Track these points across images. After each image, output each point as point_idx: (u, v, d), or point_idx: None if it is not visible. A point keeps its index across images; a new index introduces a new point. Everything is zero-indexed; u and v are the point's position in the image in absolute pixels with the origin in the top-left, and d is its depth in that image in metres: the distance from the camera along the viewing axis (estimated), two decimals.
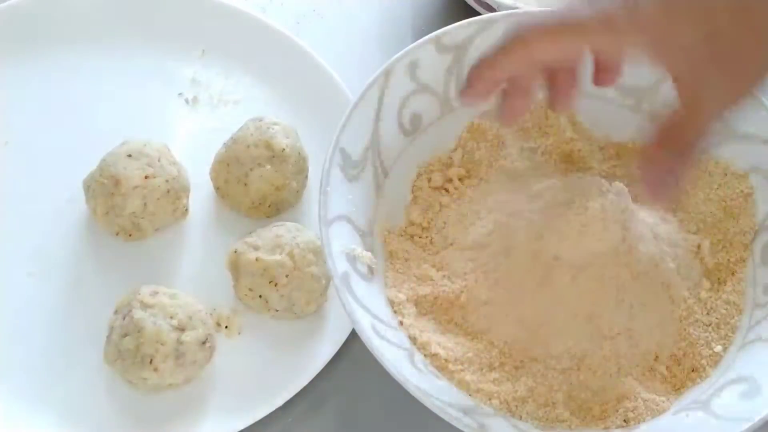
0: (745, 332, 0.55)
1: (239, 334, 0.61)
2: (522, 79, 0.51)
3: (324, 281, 0.60)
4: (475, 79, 0.51)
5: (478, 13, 0.71)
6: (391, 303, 0.54)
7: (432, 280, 0.55)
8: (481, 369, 0.53)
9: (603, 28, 0.47)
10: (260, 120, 0.64)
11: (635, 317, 0.54)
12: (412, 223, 0.59)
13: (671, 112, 0.48)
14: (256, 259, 0.58)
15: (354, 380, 0.60)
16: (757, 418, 0.49)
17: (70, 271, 0.63)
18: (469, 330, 0.54)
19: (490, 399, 0.52)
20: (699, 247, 0.58)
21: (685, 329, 0.55)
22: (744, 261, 0.57)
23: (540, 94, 0.53)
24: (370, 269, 0.54)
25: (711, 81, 0.47)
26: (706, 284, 0.57)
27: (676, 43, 0.47)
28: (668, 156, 0.48)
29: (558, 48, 0.49)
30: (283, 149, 0.62)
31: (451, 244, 0.57)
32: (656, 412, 0.52)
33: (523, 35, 0.49)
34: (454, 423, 0.48)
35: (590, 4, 0.48)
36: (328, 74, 0.70)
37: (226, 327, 0.61)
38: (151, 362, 0.55)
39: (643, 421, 0.52)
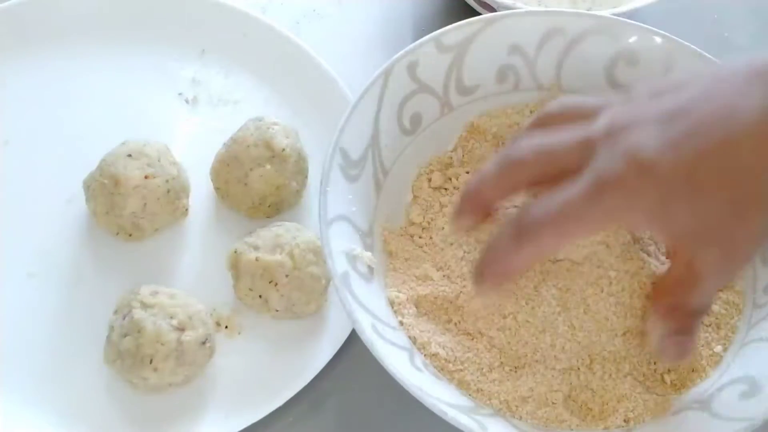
0: (745, 332, 0.55)
1: (239, 334, 0.61)
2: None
3: (324, 281, 0.60)
4: (468, 205, 0.51)
5: (478, 13, 0.71)
6: (391, 303, 0.54)
7: (432, 280, 0.55)
8: (481, 369, 0.53)
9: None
10: (260, 120, 0.64)
11: (635, 317, 0.54)
12: (412, 223, 0.59)
13: (667, 275, 0.50)
14: (256, 259, 0.58)
15: (354, 380, 0.60)
16: (757, 418, 0.49)
17: (70, 271, 0.63)
18: (469, 330, 0.54)
19: (490, 399, 0.52)
20: None
21: None
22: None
23: None
24: (370, 269, 0.54)
25: (705, 257, 0.48)
26: None
27: (673, 219, 0.47)
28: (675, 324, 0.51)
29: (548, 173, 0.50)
30: (283, 149, 0.62)
31: (451, 244, 0.57)
32: (656, 412, 0.52)
33: (516, 161, 0.50)
34: (454, 423, 0.48)
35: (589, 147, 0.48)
36: (328, 74, 0.70)
37: (226, 327, 0.61)
38: (151, 362, 0.55)
39: (643, 421, 0.52)
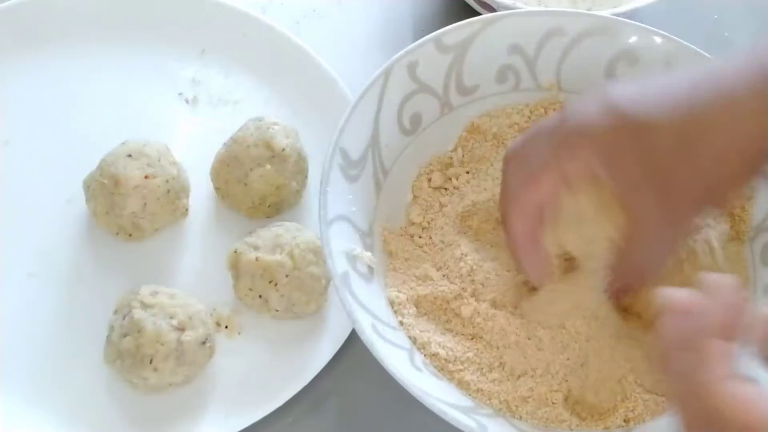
0: None
1: (239, 334, 0.61)
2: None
3: (324, 281, 0.60)
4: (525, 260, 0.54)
5: (478, 13, 0.71)
6: (391, 303, 0.54)
7: (432, 280, 0.55)
8: (481, 369, 0.53)
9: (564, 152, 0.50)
10: (260, 120, 0.64)
11: (635, 318, 0.54)
12: (412, 223, 0.59)
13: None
14: (256, 259, 0.58)
15: (354, 380, 0.60)
16: None
17: (70, 271, 0.63)
18: (469, 330, 0.54)
19: (490, 399, 0.52)
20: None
21: None
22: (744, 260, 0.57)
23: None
24: (370, 269, 0.54)
25: (648, 204, 0.49)
26: None
27: (620, 163, 0.49)
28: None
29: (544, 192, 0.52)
30: (283, 149, 0.62)
31: (451, 245, 0.57)
32: (656, 412, 0.52)
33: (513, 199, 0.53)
34: (454, 423, 0.48)
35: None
36: (328, 74, 0.70)
37: (226, 327, 0.61)
38: (151, 362, 0.55)
39: (643, 421, 0.52)
